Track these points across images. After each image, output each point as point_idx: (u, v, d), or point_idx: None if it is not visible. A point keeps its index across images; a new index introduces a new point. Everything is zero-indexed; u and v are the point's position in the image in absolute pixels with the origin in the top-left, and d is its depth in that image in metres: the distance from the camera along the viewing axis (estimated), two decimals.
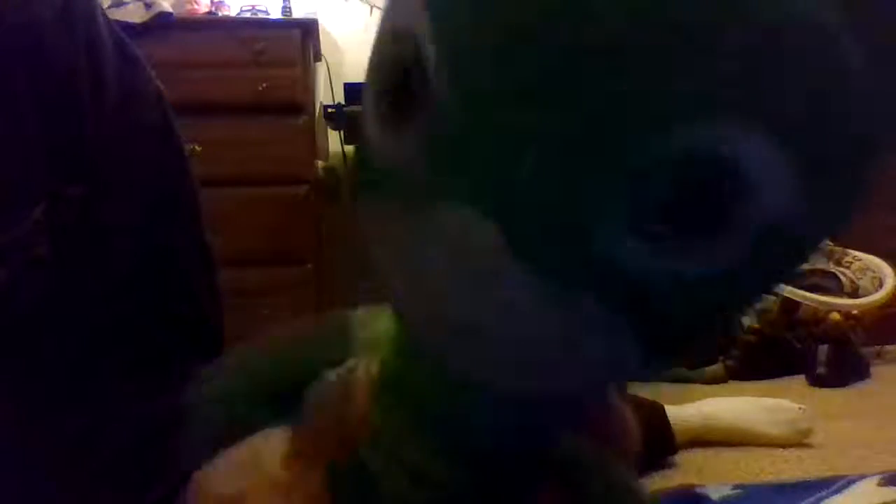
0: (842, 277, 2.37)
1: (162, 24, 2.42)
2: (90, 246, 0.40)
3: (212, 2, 2.73)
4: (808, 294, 2.29)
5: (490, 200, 0.20)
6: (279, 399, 0.28)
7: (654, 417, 1.34)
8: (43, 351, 0.39)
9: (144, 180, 0.44)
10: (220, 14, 2.72)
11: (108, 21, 0.44)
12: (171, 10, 2.50)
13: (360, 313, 0.29)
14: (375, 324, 0.28)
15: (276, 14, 2.80)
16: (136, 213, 0.43)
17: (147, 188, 0.44)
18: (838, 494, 1.13)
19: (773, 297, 2.31)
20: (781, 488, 1.19)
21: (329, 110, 2.82)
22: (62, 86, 0.41)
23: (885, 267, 2.38)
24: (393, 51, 0.22)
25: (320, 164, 2.76)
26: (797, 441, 1.43)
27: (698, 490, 1.17)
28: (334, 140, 2.98)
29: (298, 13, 2.85)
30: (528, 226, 0.20)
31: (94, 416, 0.38)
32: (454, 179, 0.20)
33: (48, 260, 0.38)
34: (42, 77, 0.40)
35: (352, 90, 2.65)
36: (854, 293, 2.34)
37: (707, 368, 2.17)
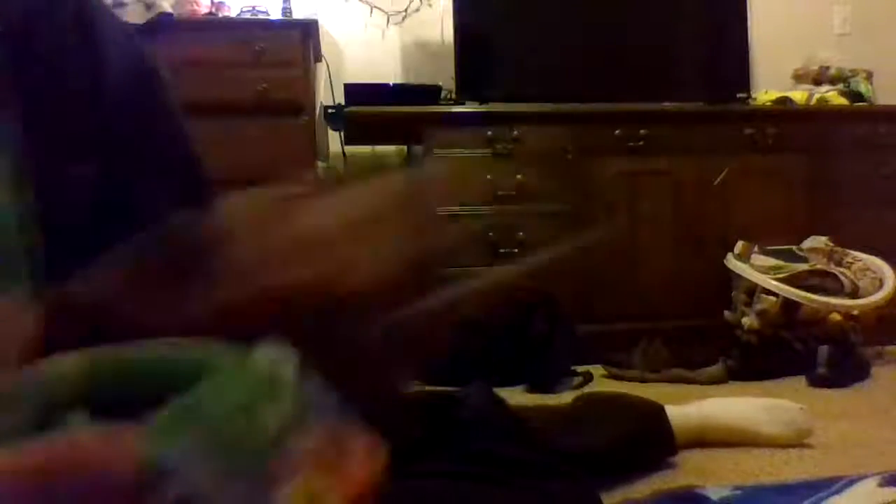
0: (842, 278, 2.37)
1: (162, 24, 2.43)
2: (97, 225, 0.40)
3: (212, 2, 2.73)
4: (808, 294, 2.29)
5: None
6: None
7: (654, 417, 1.34)
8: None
9: (153, 159, 0.44)
10: (220, 15, 2.72)
11: (100, 2, 0.44)
12: (171, 10, 2.50)
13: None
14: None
15: (276, 15, 2.80)
16: (148, 193, 0.43)
17: (156, 168, 0.44)
18: (838, 495, 1.13)
19: (773, 298, 2.31)
20: (781, 488, 1.19)
21: (329, 111, 2.82)
22: (51, 66, 0.40)
23: (885, 267, 2.38)
24: None
25: (320, 164, 2.76)
26: (797, 441, 1.43)
27: (698, 490, 1.17)
28: (334, 140, 2.98)
29: (299, 14, 2.84)
30: None
31: None
32: None
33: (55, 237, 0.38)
34: (29, 58, 0.40)
35: (352, 91, 2.65)
36: (854, 294, 2.34)
37: (707, 368, 2.17)
